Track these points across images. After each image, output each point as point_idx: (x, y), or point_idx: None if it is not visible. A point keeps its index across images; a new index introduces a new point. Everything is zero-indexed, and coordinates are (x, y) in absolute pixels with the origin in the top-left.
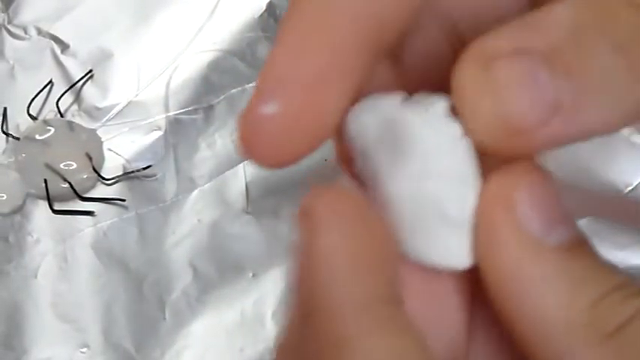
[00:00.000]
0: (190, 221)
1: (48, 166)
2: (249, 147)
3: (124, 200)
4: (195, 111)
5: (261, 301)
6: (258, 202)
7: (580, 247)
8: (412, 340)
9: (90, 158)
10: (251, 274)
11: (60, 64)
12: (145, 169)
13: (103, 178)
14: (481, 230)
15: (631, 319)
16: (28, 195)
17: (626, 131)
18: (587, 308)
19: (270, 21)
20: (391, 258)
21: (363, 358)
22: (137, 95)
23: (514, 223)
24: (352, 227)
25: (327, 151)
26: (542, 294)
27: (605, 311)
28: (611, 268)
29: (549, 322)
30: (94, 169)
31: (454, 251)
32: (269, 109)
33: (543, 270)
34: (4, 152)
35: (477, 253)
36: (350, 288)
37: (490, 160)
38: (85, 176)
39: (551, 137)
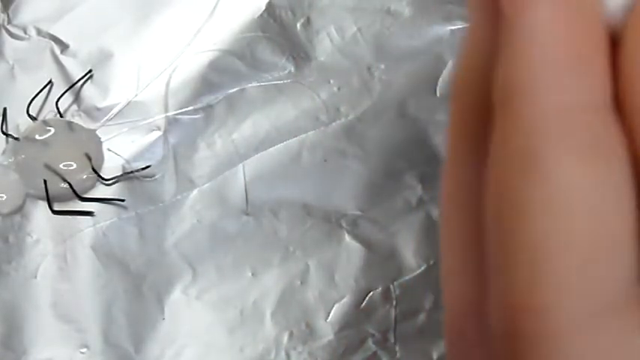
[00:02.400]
0: (190, 221)
1: (47, 167)
2: None
3: (123, 200)
4: (194, 111)
5: (261, 300)
6: (258, 203)
7: None
8: (616, 173)
9: (89, 158)
10: (250, 274)
11: (60, 64)
12: (144, 169)
13: (103, 179)
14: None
15: None
16: (27, 195)
17: None
18: None
19: (270, 21)
20: (606, 48)
21: (551, 181)
22: (137, 95)
23: None
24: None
25: (327, 151)
26: None
27: None
28: None
29: None
30: (94, 170)
31: None
32: None
33: None
34: (3, 153)
35: None
36: (559, 85)
37: None
38: (84, 176)
39: None
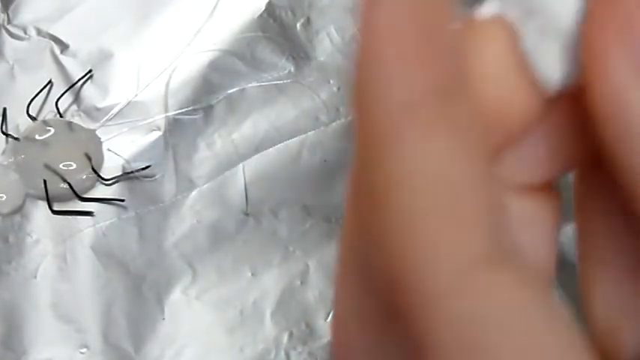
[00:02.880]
0: (190, 221)
1: (47, 167)
2: None
3: (123, 200)
4: (194, 111)
5: (261, 300)
6: (258, 203)
7: None
8: (469, 144)
9: (89, 158)
10: (250, 274)
11: (59, 64)
12: (144, 169)
13: (103, 179)
14: (588, 46)
15: None
16: (27, 195)
17: None
18: None
19: (270, 21)
20: (452, 34)
21: (406, 167)
22: (137, 95)
23: (628, 46)
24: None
25: (327, 151)
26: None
27: None
28: None
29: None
30: (94, 170)
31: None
32: None
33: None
34: (3, 153)
35: (577, 71)
36: (400, 77)
37: None
38: (84, 176)
39: None
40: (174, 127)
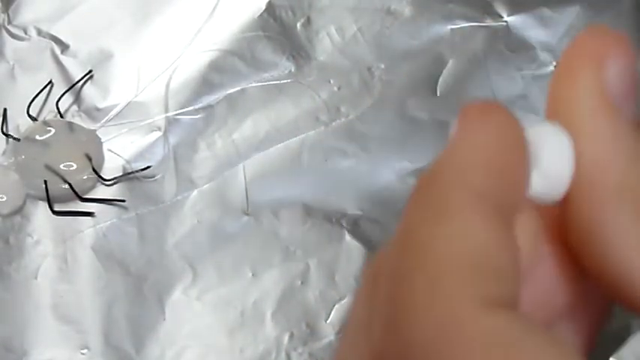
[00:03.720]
0: (190, 222)
1: (48, 167)
2: None
3: (123, 201)
4: (195, 111)
5: (262, 301)
6: (258, 203)
7: None
8: (510, 240)
9: (90, 159)
10: (251, 274)
11: (60, 64)
12: (144, 169)
13: (103, 179)
14: (562, 84)
15: None
16: (28, 196)
17: None
18: None
19: (270, 21)
20: (522, 178)
21: (453, 233)
22: (137, 96)
23: (598, 84)
24: (498, 132)
25: (327, 150)
26: (619, 164)
27: None
28: None
29: (604, 189)
30: (94, 170)
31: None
32: None
33: (619, 138)
34: (4, 153)
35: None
36: (477, 178)
37: None
38: (84, 177)
39: None
40: (174, 127)
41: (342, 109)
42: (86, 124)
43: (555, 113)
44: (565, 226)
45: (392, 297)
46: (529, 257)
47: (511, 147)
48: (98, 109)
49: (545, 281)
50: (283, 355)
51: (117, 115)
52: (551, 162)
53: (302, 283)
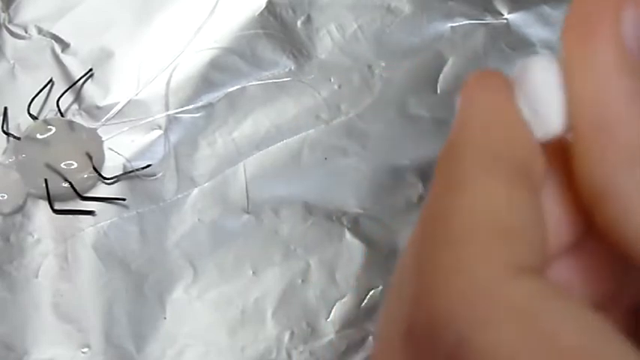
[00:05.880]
0: (191, 220)
1: (48, 166)
2: None
3: (124, 199)
4: (195, 110)
5: (262, 299)
6: (259, 201)
7: None
8: (532, 199)
9: (90, 157)
10: (251, 273)
11: (60, 63)
12: (145, 168)
13: (104, 178)
14: (577, 40)
15: None
16: (28, 195)
17: None
18: None
19: (270, 19)
20: (528, 137)
21: (473, 200)
22: (137, 94)
23: (618, 38)
24: (498, 99)
25: (328, 149)
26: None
27: None
28: None
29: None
30: (95, 169)
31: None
32: None
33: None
34: (4, 152)
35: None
36: (486, 141)
37: None
38: (85, 175)
39: None
40: (175, 125)
41: (343, 107)
42: (87, 122)
43: (572, 73)
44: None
45: (418, 268)
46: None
47: (510, 104)
48: (99, 108)
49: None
50: (284, 353)
51: (117, 113)
52: (537, 92)
53: (303, 281)
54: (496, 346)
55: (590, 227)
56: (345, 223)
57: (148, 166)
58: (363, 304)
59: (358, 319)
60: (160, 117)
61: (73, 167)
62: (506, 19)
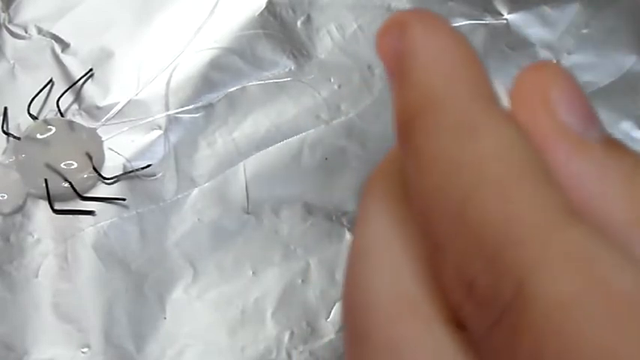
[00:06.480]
0: (191, 220)
1: (48, 166)
2: None
3: (124, 199)
4: (195, 110)
5: (262, 299)
6: (258, 201)
7: (617, 145)
8: (517, 130)
9: (90, 157)
10: (251, 273)
11: (60, 63)
12: (145, 168)
13: (104, 178)
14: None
15: None
16: (28, 195)
17: (626, 125)
18: None
19: (270, 19)
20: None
21: (496, 144)
22: (137, 94)
23: (554, 118)
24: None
25: (328, 149)
26: (600, 189)
27: None
28: None
29: (611, 216)
30: (95, 169)
31: None
32: None
33: (592, 165)
34: (4, 152)
35: None
36: (455, 84)
37: None
38: (85, 176)
39: None
40: (174, 125)
41: (343, 107)
42: (87, 122)
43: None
44: None
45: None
46: None
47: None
48: (99, 108)
49: None
50: (284, 353)
51: (117, 113)
52: None
53: (302, 281)
54: (557, 292)
55: None
56: (344, 223)
57: (148, 166)
58: None
59: None
60: (160, 117)
61: (73, 167)
62: (506, 19)
